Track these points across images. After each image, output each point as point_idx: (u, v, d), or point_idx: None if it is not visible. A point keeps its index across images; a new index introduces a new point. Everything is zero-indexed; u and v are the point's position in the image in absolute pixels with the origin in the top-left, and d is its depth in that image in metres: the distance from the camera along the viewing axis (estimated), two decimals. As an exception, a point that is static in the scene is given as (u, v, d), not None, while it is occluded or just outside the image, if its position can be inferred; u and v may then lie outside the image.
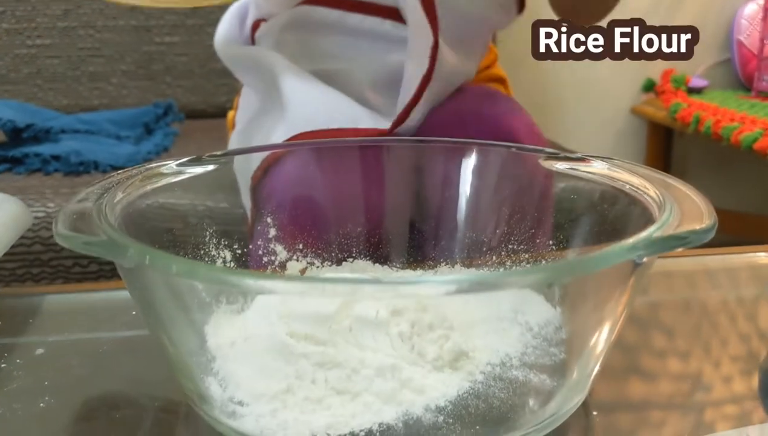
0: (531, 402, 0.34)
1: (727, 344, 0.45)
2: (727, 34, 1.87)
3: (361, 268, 0.49)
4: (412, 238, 0.50)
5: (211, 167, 0.44)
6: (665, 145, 1.88)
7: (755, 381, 0.41)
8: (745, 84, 1.82)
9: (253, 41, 0.90)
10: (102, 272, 0.98)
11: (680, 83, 1.80)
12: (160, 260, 0.30)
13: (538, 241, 0.45)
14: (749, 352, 0.44)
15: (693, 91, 1.79)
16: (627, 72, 1.87)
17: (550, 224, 0.45)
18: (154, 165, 0.42)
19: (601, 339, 0.34)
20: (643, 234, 0.30)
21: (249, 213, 0.53)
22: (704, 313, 0.49)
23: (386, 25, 0.78)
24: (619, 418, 0.37)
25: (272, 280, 0.30)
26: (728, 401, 0.39)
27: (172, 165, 0.42)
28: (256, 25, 0.91)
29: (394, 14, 0.79)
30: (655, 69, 1.86)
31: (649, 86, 1.85)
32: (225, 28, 0.94)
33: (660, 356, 0.43)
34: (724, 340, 0.45)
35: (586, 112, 1.87)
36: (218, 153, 0.45)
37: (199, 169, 0.43)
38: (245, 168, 0.51)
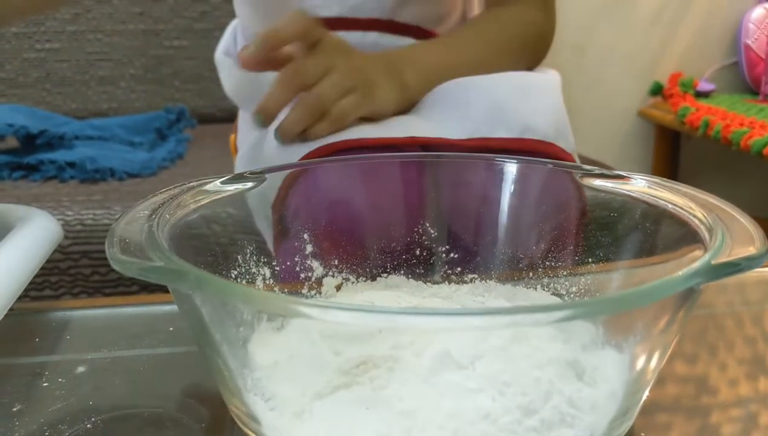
0: (576, 430, 0.34)
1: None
2: (734, 37, 1.87)
3: (396, 283, 0.50)
4: (447, 253, 0.50)
5: (250, 184, 0.45)
6: (673, 149, 1.89)
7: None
8: (752, 88, 1.82)
9: None
10: (121, 281, 0.98)
11: (688, 87, 1.80)
12: (218, 286, 0.30)
13: (576, 258, 0.45)
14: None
15: (700, 94, 1.79)
16: (634, 75, 1.87)
17: (590, 240, 0.45)
18: (195, 183, 0.42)
19: (650, 366, 0.34)
20: (701, 261, 0.30)
21: (266, 232, 0.53)
22: (717, 324, 0.49)
23: (370, 36, 0.79)
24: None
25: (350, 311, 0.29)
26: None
27: (216, 182, 0.42)
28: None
29: (375, 25, 0.80)
30: (663, 72, 1.87)
31: (657, 90, 1.86)
32: (224, 43, 0.96)
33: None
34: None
35: (593, 115, 1.87)
36: (258, 170, 0.45)
37: (239, 186, 0.44)
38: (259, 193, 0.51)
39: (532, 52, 0.82)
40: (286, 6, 0.82)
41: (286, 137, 0.67)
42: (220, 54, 0.95)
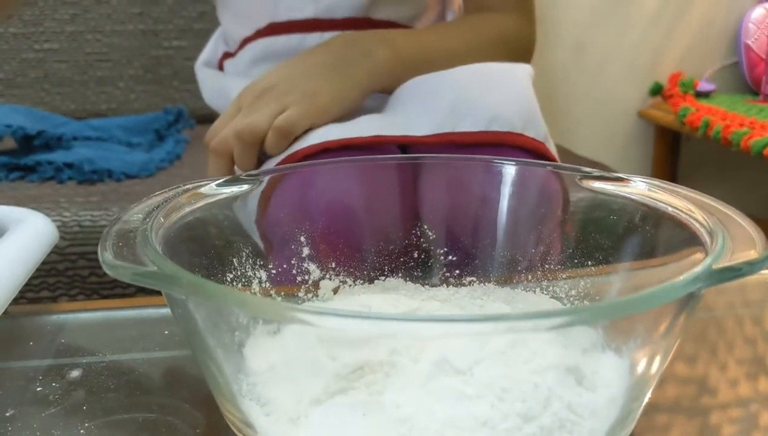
0: None
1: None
2: (734, 37, 1.87)
3: (394, 286, 0.49)
4: (445, 255, 0.49)
5: (246, 187, 0.44)
6: (672, 149, 1.88)
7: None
8: (752, 88, 1.81)
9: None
10: (118, 282, 0.97)
11: (688, 87, 1.79)
12: (212, 291, 0.30)
13: (575, 260, 0.45)
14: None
15: (700, 95, 1.79)
16: (634, 75, 1.87)
17: (590, 243, 0.44)
18: (191, 185, 0.42)
19: (651, 371, 0.33)
20: (702, 266, 0.30)
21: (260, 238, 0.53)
22: (717, 325, 0.49)
23: None
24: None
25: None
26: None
27: (211, 185, 0.42)
28: (221, 60, 0.93)
29: (352, 24, 0.80)
30: (663, 72, 1.86)
31: (657, 90, 1.85)
32: (206, 53, 0.97)
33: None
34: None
35: (593, 116, 1.86)
36: (254, 172, 0.44)
37: (236, 189, 0.43)
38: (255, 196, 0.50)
39: (509, 57, 0.81)
40: (260, 9, 0.82)
41: None
42: (199, 65, 0.97)
